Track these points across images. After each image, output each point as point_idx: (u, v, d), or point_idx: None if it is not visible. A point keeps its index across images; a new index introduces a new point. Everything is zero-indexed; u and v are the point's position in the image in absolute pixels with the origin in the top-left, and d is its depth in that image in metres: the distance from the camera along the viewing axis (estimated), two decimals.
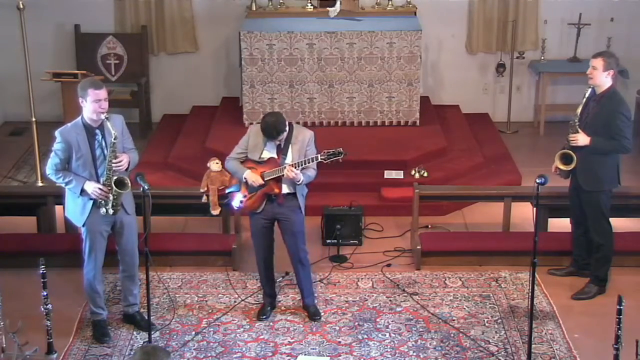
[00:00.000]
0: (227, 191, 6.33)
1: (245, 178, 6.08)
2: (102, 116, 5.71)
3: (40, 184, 8.46)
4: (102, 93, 5.70)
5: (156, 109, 10.37)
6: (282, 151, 6.06)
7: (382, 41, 9.09)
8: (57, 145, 5.80)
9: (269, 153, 6.07)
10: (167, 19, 10.13)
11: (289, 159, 6.03)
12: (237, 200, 6.20)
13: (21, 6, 8.17)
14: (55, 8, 9.99)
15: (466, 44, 10.30)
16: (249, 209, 6.18)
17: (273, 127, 5.94)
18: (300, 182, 6.00)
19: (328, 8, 9.74)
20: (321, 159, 6.00)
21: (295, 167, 5.95)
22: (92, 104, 5.70)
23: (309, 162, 6.01)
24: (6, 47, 9.75)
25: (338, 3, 9.70)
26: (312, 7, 10.00)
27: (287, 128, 6.02)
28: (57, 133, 5.81)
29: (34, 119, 8.42)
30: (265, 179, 6.04)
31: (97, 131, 5.80)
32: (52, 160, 5.82)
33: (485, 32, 10.20)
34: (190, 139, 9.34)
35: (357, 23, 9.50)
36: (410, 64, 9.15)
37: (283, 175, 5.99)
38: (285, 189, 6.09)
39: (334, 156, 6.00)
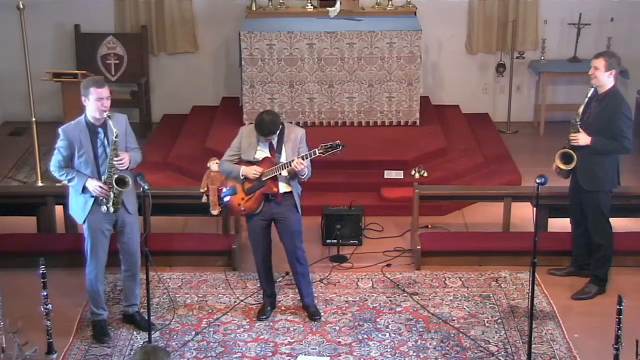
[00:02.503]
0: (222, 196, 6.31)
1: (243, 175, 6.06)
2: (105, 114, 5.73)
3: (40, 184, 8.46)
4: (105, 92, 5.74)
5: (156, 109, 10.37)
6: (275, 150, 6.06)
7: (382, 41, 9.08)
8: (60, 143, 5.84)
9: (263, 153, 6.07)
10: (167, 19, 10.13)
11: (283, 158, 6.04)
12: (235, 202, 6.19)
13: (21, 6, 8.17)
14: (55, 8, 9.99)
15: (466, 44, 10.30)
16: (248, 211, 6.16)
17: (270, 124, 5.94)
18: (304, 176, 6.02)
19: (328, 8, 9.74)
20: (319, 152, 6.00)
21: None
22: (94, 103, 5.72)
23: (311, 156, 6.01)
24: (6, 47, 9.76)
25: (338, 3, 9.70)
26: (312, 7, 10.00)
27: (279, 130, 6.04)
28: (60, 130, 5.85)
29: (34, 119, 8.42)
30: (263, 179, 6.05)
31: (100, 129, 5.82)
32: (56, 157, 5.87)
33: (485, 32, 10.20)
34: (190, 139, 9.33)
35: (357, 23, 9.50)
36: (410, 64, 9.15)
37: (280, 173, 6.01)
38: (282, 188, 6.10)
39: (331, 149, 5.99)
